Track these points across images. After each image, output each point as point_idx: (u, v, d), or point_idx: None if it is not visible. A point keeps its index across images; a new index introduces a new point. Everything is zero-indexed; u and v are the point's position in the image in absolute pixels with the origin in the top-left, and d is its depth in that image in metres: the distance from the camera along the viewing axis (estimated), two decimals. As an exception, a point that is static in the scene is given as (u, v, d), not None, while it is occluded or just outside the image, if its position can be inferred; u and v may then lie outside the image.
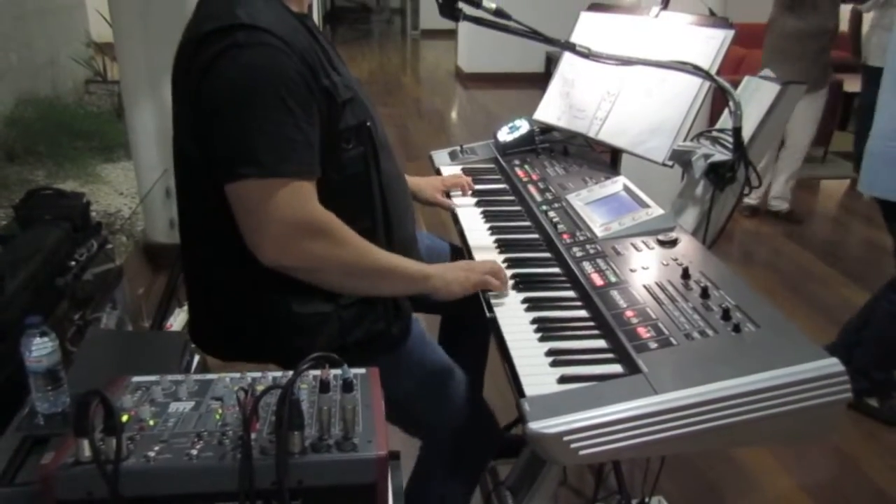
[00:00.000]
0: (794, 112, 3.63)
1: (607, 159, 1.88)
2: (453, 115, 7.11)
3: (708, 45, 1.60)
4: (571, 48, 1.41)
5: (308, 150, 1.12)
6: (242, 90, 1.08)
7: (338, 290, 1.21)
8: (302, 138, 1.11)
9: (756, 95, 1.48)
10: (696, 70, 1.41)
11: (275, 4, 1.17)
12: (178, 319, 2.59)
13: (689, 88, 1.58)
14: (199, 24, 1.15)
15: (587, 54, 1.48)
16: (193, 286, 1.35)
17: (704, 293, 1.16)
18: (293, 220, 1.11)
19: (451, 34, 8.73)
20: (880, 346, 2.37)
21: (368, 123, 1.23)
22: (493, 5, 1.32)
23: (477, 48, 7.75)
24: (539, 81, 6.21)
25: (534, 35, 1.35)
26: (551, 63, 6.64)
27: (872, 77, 4.43)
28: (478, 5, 1.32)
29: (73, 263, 1.98)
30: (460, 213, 1.70)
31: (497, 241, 1.53)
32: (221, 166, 1.10)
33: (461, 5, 1.33)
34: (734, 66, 5.22)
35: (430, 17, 10.90)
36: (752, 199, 4.02)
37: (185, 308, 2.53)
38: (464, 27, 7.94)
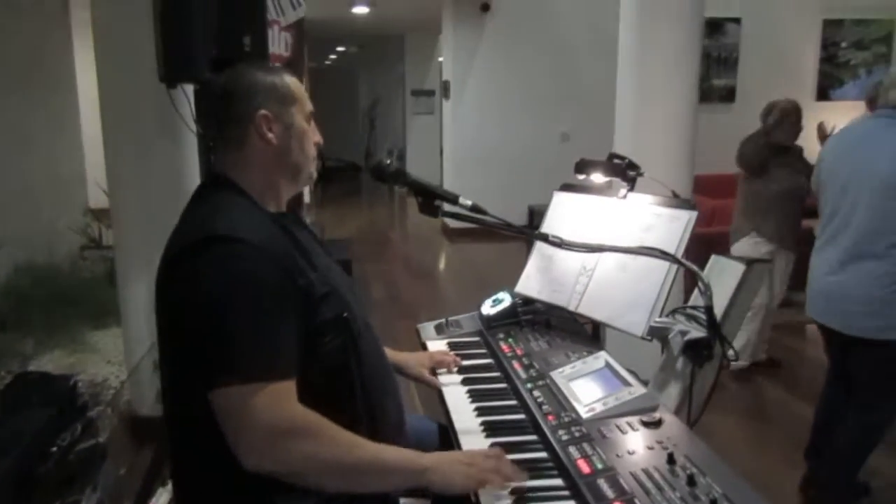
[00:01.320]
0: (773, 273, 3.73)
1: (589, 330, 1.93)
2: (441, 269, 7.28)
3: (673, 226, 1.70)
4: (544, 238, 1.50)
5: (286, 352, 1.17)
6: (220, 300, 1.15)
7: (325, 490, 1.20)
8: (280, 341, 1.16)
9: (724, 274, 1.56)
10: (662, 255, 1.49)
11: (252, 211, 1.26)
12: (160, 501, 2.51)
13: (661, 265, 1.66)
14: (181, 235, 1.24)
15: (559, 244, 1.56)
16: (177, 480, 1.34)
17: (691, 481, 1.16)
18: (272, 424, 1.13)
19: (437, 191, 9.15)
20: (851, 460, 2.53)
21: (345, 314, 1.28)
22: (469, 202, 1.42)
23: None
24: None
25: (507, 227, 1.44)
26: (534, 216, 6.91)
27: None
28: (455, 202, 1.42)
29: (55, 449, 1.96)
30: (446, 392, 1.71)
31: (483, 423, 1.54)
32: (202, 374, 1.14)
33: (439, 203, 1.42)
34: (707, 218, 5.45)
35: (418, 173, 11.38)
36: (745, 360, 3.96)
37: (169, 488, 2.46)
38: (451, 184, 8.34)
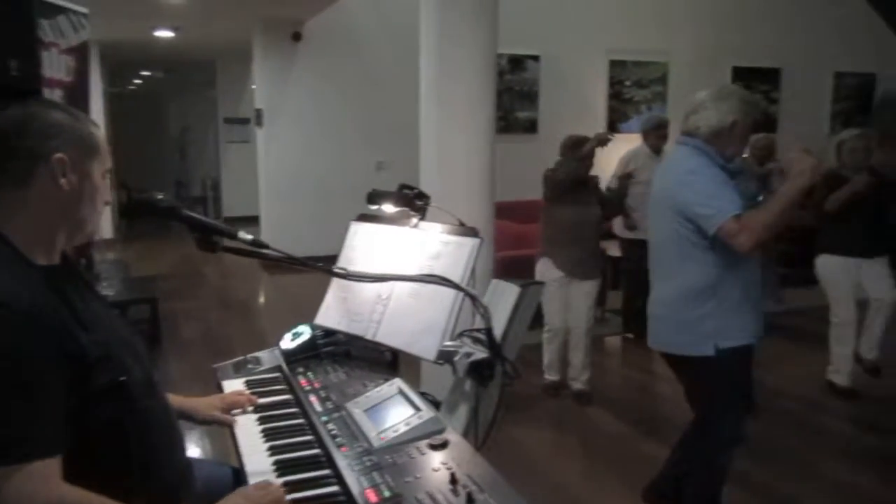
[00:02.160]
0: (574, 300, 3.99)
1: (390, 357, 1.96)
2: (259, 303, 7.05)
3: (459, 253, 1.78)
4: (328, 271, 1.50)
5: (48, 427, 1.07)
6: None
7: None
8: (39, 416, 1.06)
9: (503, 296, 1.66)
10: (444, 282, 1.55)
11: (13, 265, 1.15)
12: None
13: (450, 291, 1.73)
14: None
15: (345, 275, 1.58)
16: None
17: (470, 499, 1.20)
18: None
19: (254, 220, 8.84)
20: (700, 489, 2.56)
21: (123, 378, 1.20)
22: (250, 237, 1.39)
23: (279, 233, 7.88)
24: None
25: (289, 259, 1.43)
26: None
27: (625, 246, 5.18)
28: (233, 237, 1.39)
29: None
30: (239, 433, 1.65)
31: (276, 462, 1.50)
32: None
33: (217, 238, 1.38)
34: (515, 242, 5.78)
35: (233, 204, 11.03)
36: (552, 376, 4.24)
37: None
38: (268, 215, 8.12)
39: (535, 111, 8.18)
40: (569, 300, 4.01)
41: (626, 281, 5.42)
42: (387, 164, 7.67)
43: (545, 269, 4.00)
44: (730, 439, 2.49)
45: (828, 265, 4.09)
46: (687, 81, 8.64)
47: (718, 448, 2.50)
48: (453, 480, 1.27)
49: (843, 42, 8.97)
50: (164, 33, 8.02)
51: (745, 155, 4.43)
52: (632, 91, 8.60)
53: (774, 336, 5.21)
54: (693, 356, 2.39)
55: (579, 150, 4.00)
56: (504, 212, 7.21)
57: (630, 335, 5.27)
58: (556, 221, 3.99)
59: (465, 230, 1.83)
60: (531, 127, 8.15)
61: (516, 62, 8.01)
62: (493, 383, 1.58)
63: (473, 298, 1.53)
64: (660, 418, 3.89)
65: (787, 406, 4.17)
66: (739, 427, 2.52)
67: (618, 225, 5.23)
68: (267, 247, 1.40)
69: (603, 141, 4.01)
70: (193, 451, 3.24)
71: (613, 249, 5.80)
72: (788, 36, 9.08)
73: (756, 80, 9.13)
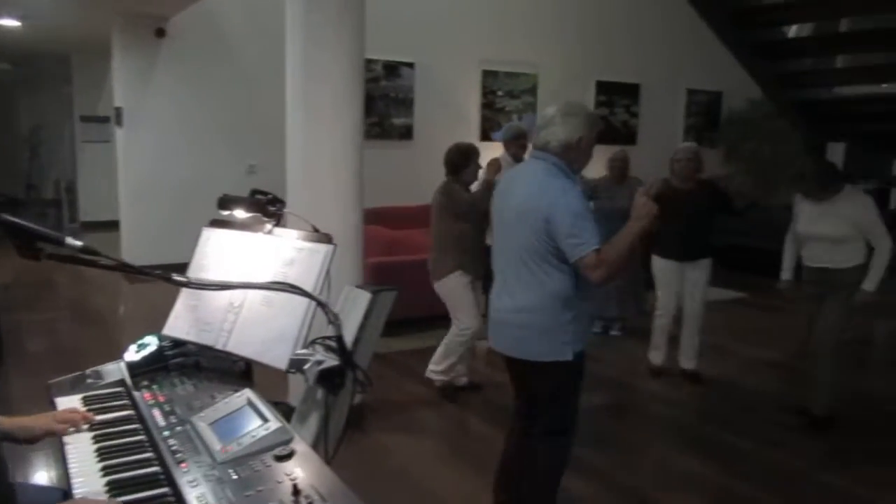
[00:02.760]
0: (461, 301, 4.07)
1: (244, 367, 1.90)
2: (118, 313, 6.63)
3: (313, 259, 1.76)
4: (167, 279, 1.44)
5: None
6: None
7: None
8: None
9: (356, 303, 1.65)
10: (292, 289, 1.53)
11: None
12: None
13: (303, 298, 1.70)
14: None
15: (187, 283, 1.51)
16: None
17: (311, 510, 1.19)
18: None
19: (114, 225, 8.31)
20: (550, 486, 2.68)
21: None
22: (79, 243, 1.30)
23: (140, 238, 7.46)
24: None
25: (124, 267, 1.36)
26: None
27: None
28: (61, 244, 1.30)
29: None
30: (69, 453, 1.54)
31: (109, 483, 1.41)
32: None
33: (42, 245, 1.28)
34: (387, 247, 5.79)
35: (91, 208, 10.31)
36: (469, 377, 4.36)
37: None
38: (129, 220, 7.64)
39: (410, 118, 8.24)
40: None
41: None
42: (259, 167, 7.46)
43: (462, 279, 4.08)
44: (572, 434, 2.68)
45: (656, 265, 4.68)
46: (555, 93, 9.02)
47: (567, 442, 2.67)
48: (296, 492, 1.25)
49: (695, 61, 9.68)
50: (10, 22, 7.39)
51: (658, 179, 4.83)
52: (503, 101, 8.86)
53: (635, 336, 5.56)
54: (554, 361, 2.48)
55: (470, 164, 4.12)
56: (378, 217, 7.24)
57: None
58: (468, 235, 4.08)
59: (320, 236, 1.81)
60: (407, 133, 8.21)
61: (391, 69, 8.04)
62: (345, 391, 1.57)
63: (323, 305, 1.51)
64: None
65: (629, 398, 4.45)
66: (576, 422, 2.68)
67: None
68: (98, 253, 1.31)
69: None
70: (20, 474, 3.00)
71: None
72: (647, 54, 9.70)
73: (617, 94, 9.69)
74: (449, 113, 8.44)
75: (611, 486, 3.23)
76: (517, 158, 5.13)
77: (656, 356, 4.84)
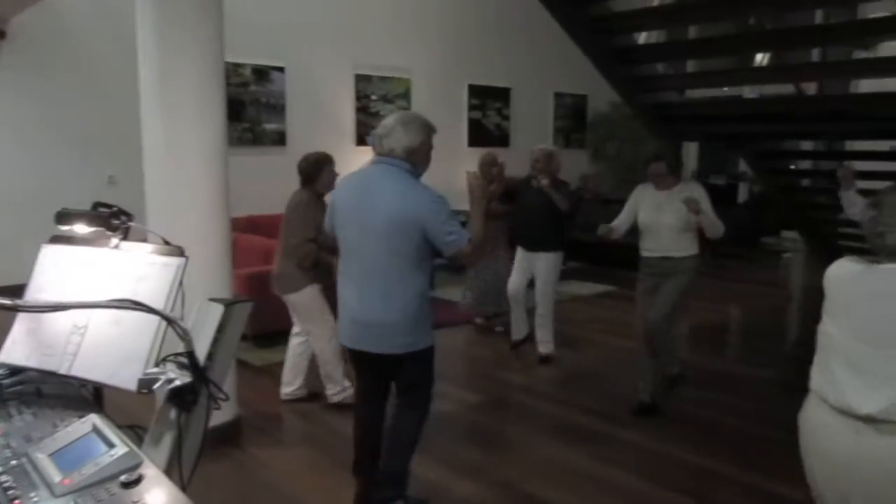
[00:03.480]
0: (320, 311, 4.03)
1: (92, 392, 1.79)
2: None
3: (164, 273, 1.69)
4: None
5: None
6: None
7: None
8: None
9: (208, 317, 1.59)
10: (134, 305, 1.45)
11: None
12: None
13: (154, 315, 1.62)
14: None
15: (14, 307, 1.41)
16: None
17: (157, 536, 1.13)
18: None
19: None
20: (405, 454, 2.92)
21: None
22: None
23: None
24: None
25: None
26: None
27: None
28: None
29: None
30: None
31: (-72, 529, 1.28)
32: None
33: None
34: (263, 256, 5.63)
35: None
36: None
37: None
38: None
39: (283, 123, 8.06)
40: None
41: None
42: (119, 178, 7.03)
43: (317, 290, 4.12)
44: (428, 408, 2.98)
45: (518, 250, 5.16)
46: (428, 97, 9.15)
47: (424, 414, 2.96)
48: (142, 518, 1.19)
49: (561, 66, 10.09)
50: None
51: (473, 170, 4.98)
52: (378, 105, 8.86)
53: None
54: (424, 349, 2.81)
55: (322, 174, 4.14)
56: (254, 226, 7.05)
57: None
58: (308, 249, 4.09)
59: (171, 249, 1.73)
60: (280, 139, 8.03)
61: (261, 73, 7.84)
62: (199, 409, 1.51)
63: (170, 321, 1.45)
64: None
65: (501, 392, 4.59)
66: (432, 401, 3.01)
67: None
68: None
69: None
70: None
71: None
72: (515, 59, 10.03)
73: (489, 98, 9.95)
74: (323, 118, 8.34)
75: (486, 482, 3.31)
76: None
77: (516, 331, 5.26)
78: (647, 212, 4.12)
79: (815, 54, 8.52)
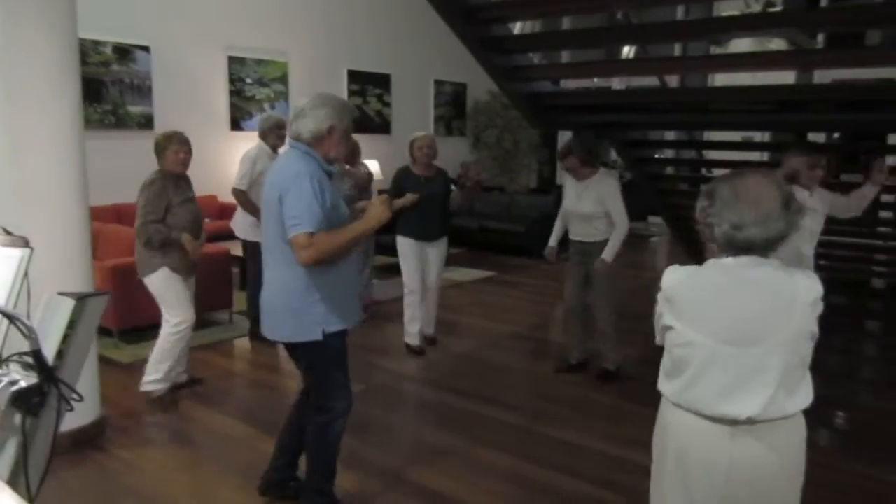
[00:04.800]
0: (169, 294, 3.87)
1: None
2: None
3: (6, 266, 1.54)
4: None
5: None
6: None
7: None
8: None
9: (57, 312, 1.47)
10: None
11: None
12: None
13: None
14: None
15: None
16: None
17: (-4, 553, 1.03)
18: None
19: None
20: (321, 462, 2.77)
21: None
22: None
23: None
24: None
25: None
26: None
27: (249, 249, 5.11)
28: None
29: None
30: None
31: None
32: None
33: None
34: (129, 246, 5.28)
35: None
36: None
37: None
38: None
39: (149, 106, 7.60)
40: None
41: (250, 281, 5.39)
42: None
43: (170, 274, 3.96)
44: (344, 410, 2.76)
45: (399, 244, 4.98)
46: (307, 81, 8.94)
47: (335, 418, 2.74)
48: (-22, 535, 1.08)
49: (441, 53, 10.18)
50: None
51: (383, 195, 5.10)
52: (254, 89, 8.55)
53: (379, 316, 5.72)
54: (305, 342, 2.62)
55: (167, 153, 3.91)
56: (120, 215, 6.62)
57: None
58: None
59: (13, 240, 1.58)
60: (147, 122, 7.56)
61: (124, 52, 7.34)
62: (48, 412, 1.39)
63: (10, 318, 1.33)
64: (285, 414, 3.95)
65: (381, 379, 4.60)
66: (348, 400, 2.77)
67: (238, 226, 5.17)
68: None
69: None
70: None
71: (236, 250, 5.73)
72: (395, 45, 10.00)
73: (369, 84, 9.86)
74: (194, 101, 7.95)
75: (370, 473, 3.28)
76: (275, 149, 5.01)
77: (413, 337, 5.08)
78: (568, 200, 4.49)
79: (677, 49, 9.09)
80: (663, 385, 1.89)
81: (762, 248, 1.75)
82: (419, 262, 4.97)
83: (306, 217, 2.44)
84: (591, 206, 4.35)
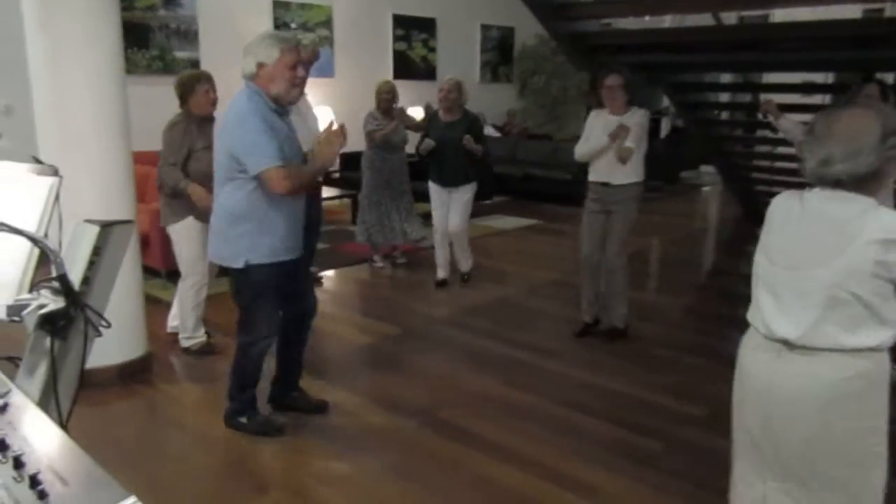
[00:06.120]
0: (186, 249, 3.81)
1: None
2: None
3: (38, 192, 1.56)
4: None
5: None
6: None
7: None
8: None
9: (83, 239, 1.49)
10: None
11: None
12: None
13: (23, 239, 1.51)
14: None
15: None
16: None
17: (18, 463, 1.07)
18: None
19: None
20: (237, 375, 3.03)
21: None
22: None
23: None
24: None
25: None
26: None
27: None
28: None
29: None
30: None
31: None
32: None
33: None
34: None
35: None
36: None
37: None
38: None
39: (196, 51, 7.63)
40: None
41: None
42: (17, 106, 6.54)
43: (195, 225, 3.85)
44: (263, 336, 2.96)
45: (430, 189, 5.18)
46: (352, 26, 8.84)
47: (253, 341, 2.95)
48: (3, 446, 1.12)
49: (487, -3, 9.93)
50: None
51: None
52: (298, 33, 8.48)
53: (421, 264, 5.72)
54: (237, 268, 2.82)
55: (195, 93, 3.78)
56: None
57: None
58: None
59: (44, 168, 1.60)
60: (193, 68, 7.59)
61: (168, -3, 7.35)
62: (76, 336, 1.43)
63: (35, 241, 1.35)
64: (309, 354, 4.04)
65: (416, 323, 4.62)
66: (270, 327, 2.98)
67: None
68: None
69: None
70: None
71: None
72: (441, -13, 9.75)
73: (415, 28, 9.68)
74: (239, 47, 7.76)
75: (403, 411, 3.32)
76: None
77: (440, 271, 5.34)
78: (598, 137, 4.06)
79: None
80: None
81: (851, 183, 1.71)
82: (445, 207, 5.16)
83: (267, 151, 2.63)
84: (630, 141, 3.95)
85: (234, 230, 2.76)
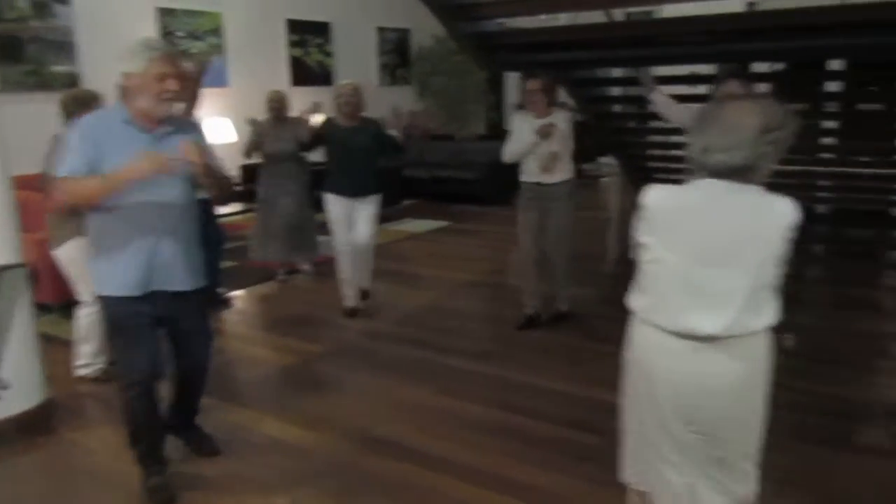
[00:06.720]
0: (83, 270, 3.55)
1: None
2: None
3: None
4: None
5: None
6: None
7: None
8: None
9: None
10: None
11: None
12: None
13: None
14: None
15: None
16: None
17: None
18: None
19: None
20: (125, 424, 2.70)
21: None
22: None
23: None
24: None
25: None
26: None
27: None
28: None
29: None
30: None
31: None
32: None
33: None
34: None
35: None
36: None
37: None
38: None
39: (74, 65, 7.13)
40: None
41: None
42: None
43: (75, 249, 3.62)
44: (134, 381, 2.57)
45: (328, 202, 4.67)
46: (243, 33, 8.53)
47: (123, 386, 2.64)
48: None
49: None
50: None
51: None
52: (187, 43, 8.09)
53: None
54: (99, 296, 2.61)
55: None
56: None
57: None
58: None
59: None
60: (73, 83, 7.07)
61: (41, 6, 6.83)
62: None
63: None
64: (237, 379, 3.83)
65: (336, 337, 4.50)
66: (132, 371, 2.58)
67: None
68: None
69: None
70: None
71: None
72: (334, -9, 9.56)
73: (309, 33, 9.45)
74: (122, 58, 7.47)
75: (335, 431, 3.21)
76: None
77: (349, 299, 4.83)
78: (526, 139, 4.20)
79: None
80: (634, 301, 1.95)
81: (729, 174, 1.76)
82: (349, 220, 4.67)
83: (66, 160, 2.42)
84: (556, 143, 4.13)
85: (89, 256, 2.62)
